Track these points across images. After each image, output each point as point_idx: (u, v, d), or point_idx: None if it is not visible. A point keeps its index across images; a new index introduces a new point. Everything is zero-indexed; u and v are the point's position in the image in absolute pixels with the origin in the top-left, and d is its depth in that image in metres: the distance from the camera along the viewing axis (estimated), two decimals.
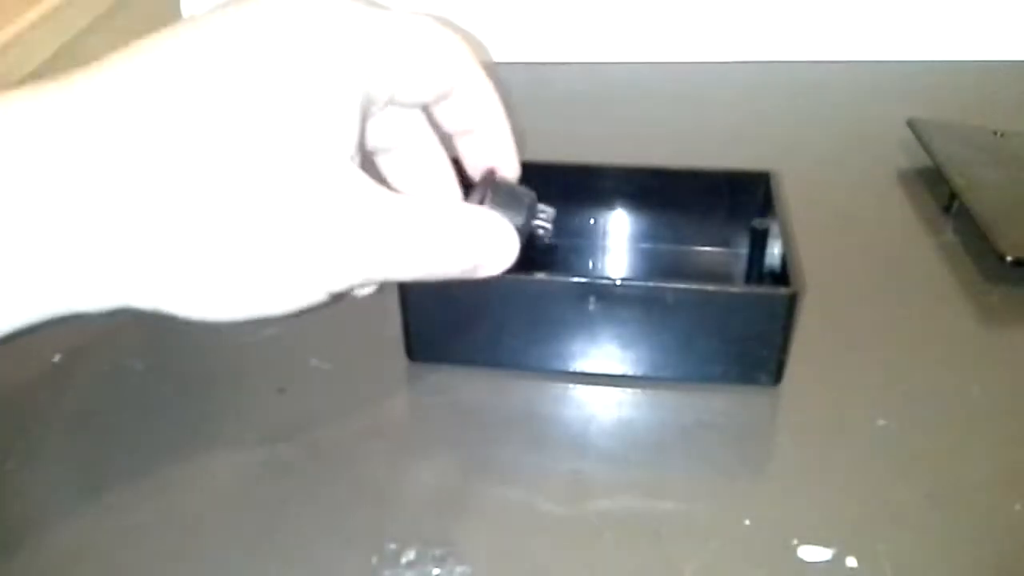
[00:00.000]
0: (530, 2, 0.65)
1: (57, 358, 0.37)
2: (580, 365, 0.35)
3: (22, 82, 0.24)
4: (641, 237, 0.42)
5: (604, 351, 0.34)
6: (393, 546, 0.28)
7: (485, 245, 0.29)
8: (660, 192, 0.41)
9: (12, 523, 0.30)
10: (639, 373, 0.35)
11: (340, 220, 0.25)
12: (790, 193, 0.38)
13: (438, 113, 0.31)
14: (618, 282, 0.33)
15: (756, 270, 0.40)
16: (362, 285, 0.28)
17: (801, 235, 0.37)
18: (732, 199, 0.41)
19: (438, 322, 0.35)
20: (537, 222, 0.31)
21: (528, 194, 0.31)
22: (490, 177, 0.32)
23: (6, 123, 0.22)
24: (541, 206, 0.32)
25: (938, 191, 0.47)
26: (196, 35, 0.24)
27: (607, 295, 0.33)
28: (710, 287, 0.33)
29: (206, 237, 0.23)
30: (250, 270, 0.24)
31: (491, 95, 0.31)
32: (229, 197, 0.23)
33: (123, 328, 0.39)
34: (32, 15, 0.47)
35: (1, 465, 0.32)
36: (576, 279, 0.33)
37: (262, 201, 0.23)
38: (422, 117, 0.32)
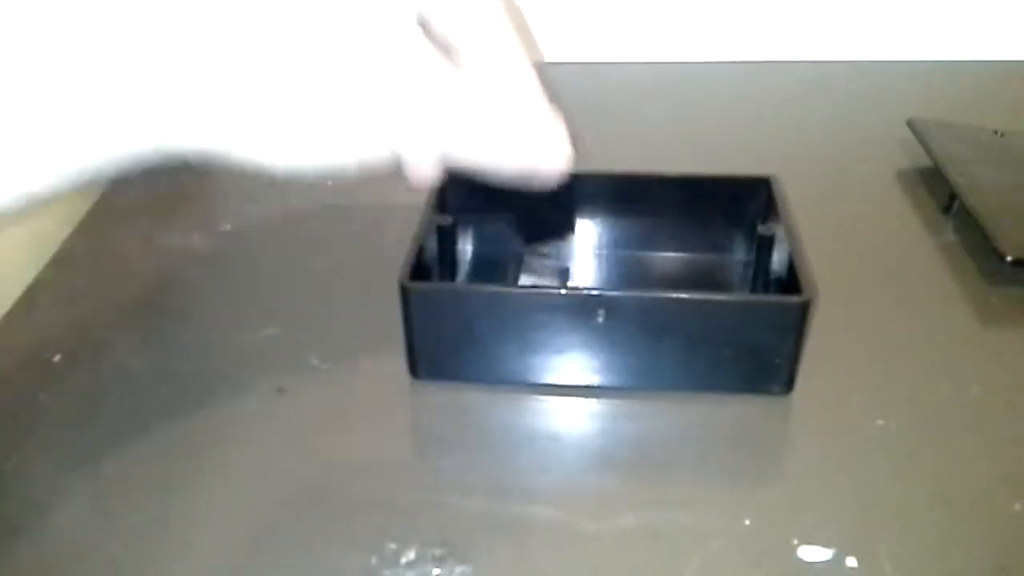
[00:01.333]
0: (529, 2, 0.65)
1: (57, 358, 0.37)
2: (589, 378, 0.34)
3: None
4: (641, 244, 0.42)
5: (613, 364, 0.34)
6: (393, 546, 0.28)
7: (538, 138, 0.29)
8: (660, 199, 0.41)
9: (13, 523, 0.30)
10: (648, 386, 0.34)
11: (400, 73, 0.26)
12: (789, 193, 0.38)
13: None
14: (628, 294, 0.33)
15: (762, 276, 0.39)
16: (420, 151, 0.28)
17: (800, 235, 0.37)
18: (733, 205, 0.40)
19: (443, 337, 0.34)
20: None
21: (562, 268, 0.34)
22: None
23: None
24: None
25: (938, 191, 0.47)
26: None
27: (616, 307, 0.32)
28: (721, 296, 0.33)
29: (276, 75, 0.25)
30: (315, 113, 0.26)
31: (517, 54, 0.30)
32: (303, 41, 0.25)
33: (123, 328, 0.39)
34: None
35: (1, 465, 0.32)
36: (585, 291, 0.33)
37: (331, 45, 0.26)
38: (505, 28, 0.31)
